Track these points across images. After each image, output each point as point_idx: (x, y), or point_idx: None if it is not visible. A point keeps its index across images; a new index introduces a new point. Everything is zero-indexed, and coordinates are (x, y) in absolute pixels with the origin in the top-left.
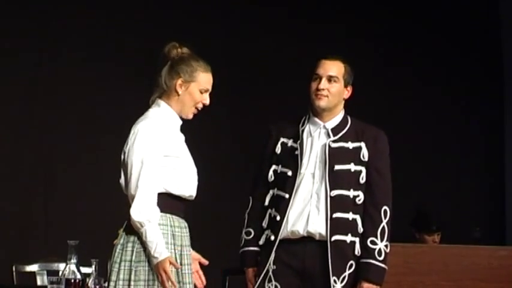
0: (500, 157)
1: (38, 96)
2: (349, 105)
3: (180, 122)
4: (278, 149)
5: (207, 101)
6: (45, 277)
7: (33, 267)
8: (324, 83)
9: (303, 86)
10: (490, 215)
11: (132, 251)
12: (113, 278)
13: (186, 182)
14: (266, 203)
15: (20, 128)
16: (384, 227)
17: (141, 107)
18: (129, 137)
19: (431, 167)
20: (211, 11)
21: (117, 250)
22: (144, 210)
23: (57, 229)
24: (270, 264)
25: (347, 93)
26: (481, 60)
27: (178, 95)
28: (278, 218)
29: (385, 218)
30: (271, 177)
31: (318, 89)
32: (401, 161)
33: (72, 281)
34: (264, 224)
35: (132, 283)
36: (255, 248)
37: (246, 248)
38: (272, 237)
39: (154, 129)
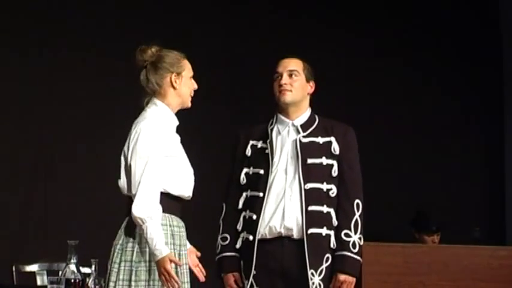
0: (500, 157)
1: (38, 95)
2: (348, 105)
3: (177, 123)
4: (248, 152)
5: (196, 85)
6: (45, 277)
7: (33, 267)
8: (285, 78)
9: None
10: (490, 215)
11: (133, 251)
12: (113, 278)
13: (184, 182)
14: (240, 206)
15: (20, 128)
16: (357, 219)
17: (142, 106)
18: (131, 137)
19: (431, 167)
20: (211, 10)
21: (117, 250)
22: (145, 206)
23: (57, 229)
24: (252, 269)
25: (310, 88)
26: (481, 61)
27: (175, 89)
28: (254, 217)
29: (357, 210)
30: (243, 180)
31: (280, 85)
32: (401, 161)
33: (72, 281)
34: (239, 227)
35: (132, 283)
36: (233, 254)
37: (224, 254)
38: (250, 238)
39: (157, 129)
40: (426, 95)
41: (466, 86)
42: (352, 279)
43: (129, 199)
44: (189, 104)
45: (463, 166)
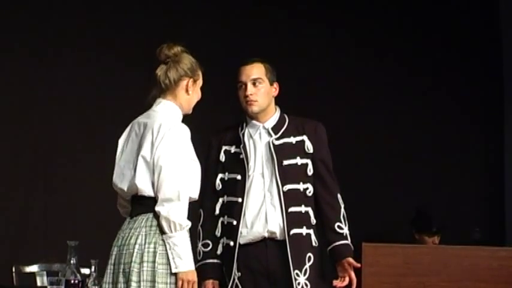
0: (500, 157)
1: (38, 97)
2: (347, 105)
3: None
4: (222, 157)
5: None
6: (45, 278)
7: (33, 268)
8: (250, 89)
9: (304, 85)
10: (490, 216)
11: (155, 252)
12: (135, 278)
13: (199, 185)
14: (217, 212)
15: (20, 128)
16: (343, 212)
17: (142, 107)
18: (156, 136)
19: (431, 167)
20: (211, 10)
21: (135, 250)
22: (185, 214)
23: (57, 229)
24: (234, 272)
25: (274, 90)
26: (481, 60)
27: (188, 94)
28: (234, 222)
29: (341, 203)
30: (218, 185)
31: (246, 96)
32: (401, 161)
33: (72, 281)
34: (218, 232)
35: (156, 285)
36: (215, 260)
37: (207, 261)
38: (231, 243)
39: (184, 133)
40: (426, 95)
41: (466, 86)
42: None
43: (142, 198)
44: (190, 111)
45: (463, 166)
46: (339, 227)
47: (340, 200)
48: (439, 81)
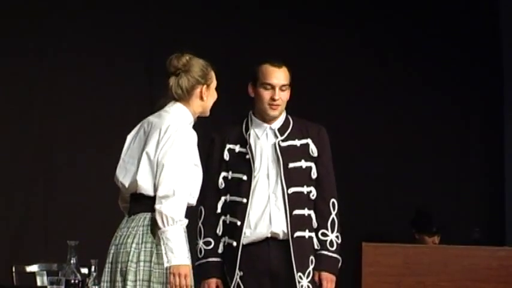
0: (500, 157)
1: (38, 96)
2: (347, 106)
3: None
4: (226, 156)
5: (216, 96)
6: (45, 277)
7: (33, 268)
8: (278, 93)
9: (304, 86)
10: (489, 216)
11: (151, 251)
12: (131, 277)
13: (198, 192)
14: (218, 210)
15: (20, 128)
16: (333, 218)
17: (142, 107)
18: (162, 136)
19: (431, 167)
20: (213, 11)
21: (132, 249)
22: (180, 210)
23: (56, 229)
24: (236, 272)
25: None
26: (481, 60)
27: (203, 100)
28: (239, 223)
29: (333, 209)
30: (221, 184)
31: (274, 99)
32: (401, 161)
33: (72, 281)
34: (219, 231)
35: (151, 284)
36: (217, 259)
37: (209, 259)
38: (234, 244)
39: (192, 137)
40: (426, 95)
41: (466, 87)
42: (331, 277)
43: (141, 197)
44: (208, 114)
45: (463, 166)
46: (323, 234)
47: (332, 206)
48: (439, 81)
